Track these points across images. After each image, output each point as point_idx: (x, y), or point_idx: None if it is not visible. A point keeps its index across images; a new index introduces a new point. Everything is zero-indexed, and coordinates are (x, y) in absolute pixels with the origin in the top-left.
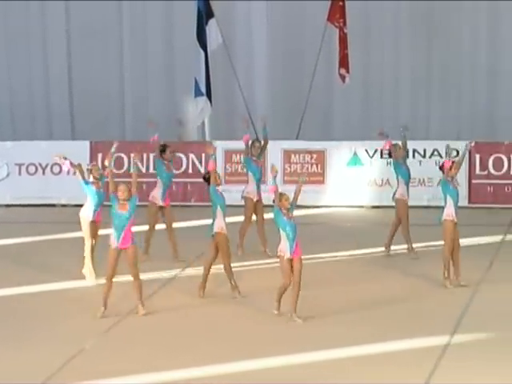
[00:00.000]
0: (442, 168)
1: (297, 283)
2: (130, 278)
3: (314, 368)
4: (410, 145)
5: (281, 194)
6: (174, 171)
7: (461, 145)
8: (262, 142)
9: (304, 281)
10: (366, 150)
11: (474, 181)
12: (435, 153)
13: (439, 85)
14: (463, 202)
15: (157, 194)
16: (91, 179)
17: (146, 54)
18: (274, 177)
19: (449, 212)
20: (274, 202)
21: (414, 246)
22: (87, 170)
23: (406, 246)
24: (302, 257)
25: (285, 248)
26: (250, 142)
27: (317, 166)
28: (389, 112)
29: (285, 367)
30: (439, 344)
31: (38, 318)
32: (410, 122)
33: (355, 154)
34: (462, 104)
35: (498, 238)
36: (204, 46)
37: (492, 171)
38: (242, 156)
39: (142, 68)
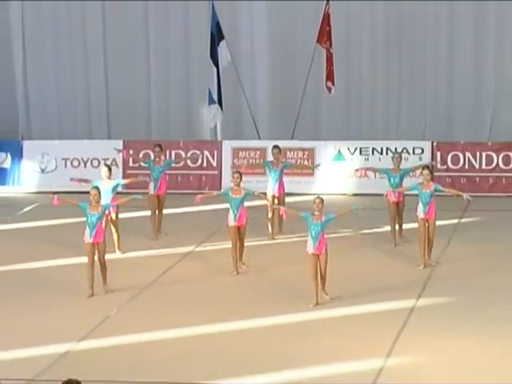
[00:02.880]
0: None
1: (322, 274)
2: (145, 253)
3: (305, 325)
4: (384, 144)
5: (315, 198)
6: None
7: (426, 145)
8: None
9: (297, 256)
10: (348, 148)
11: (435, 173)
12: (404, 150)
13: (408, 95)
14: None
15: (150, 186)
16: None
17: (169, 68)
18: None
19: (418, 210)
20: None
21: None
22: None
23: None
24: (298, 236)
25: (309, 245)
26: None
27: (308, 161)
28: (366, 117)
29: (280, 325)
30: (406, 306)
31: (70, 287)
32: (384, 125)
33: (339, 151)
34: (426, 110)
35: (454, 221)
36: (216, 62)
37: (450, 166)
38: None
39: (165, 79)
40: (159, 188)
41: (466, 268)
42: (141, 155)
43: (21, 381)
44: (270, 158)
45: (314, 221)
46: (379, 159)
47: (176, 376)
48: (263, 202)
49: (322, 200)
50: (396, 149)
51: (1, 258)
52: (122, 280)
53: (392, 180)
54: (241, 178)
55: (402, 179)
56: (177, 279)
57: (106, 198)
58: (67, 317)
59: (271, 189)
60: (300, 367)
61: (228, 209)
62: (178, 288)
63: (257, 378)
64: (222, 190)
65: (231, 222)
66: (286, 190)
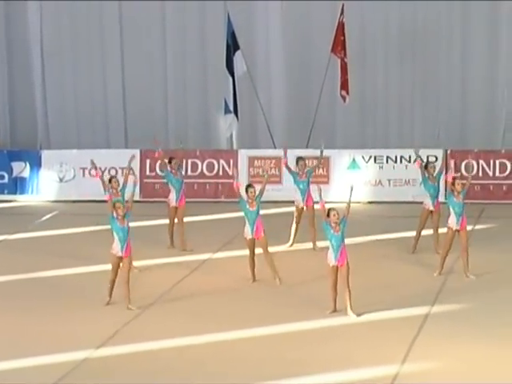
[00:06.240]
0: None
1: (346, 286)
2: (161, 261)
3: (320, 331)
4: (398, 152)
5: (329, 210)
6: (183, 174)
7: (439, 152)
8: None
9: (312, 263)
10: (363, 157)
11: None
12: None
13: (421, 103)
14: (441, 197)
15: (172, 198)
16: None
17: (186, 78)
18: (320, 194)
19: (450, 221)
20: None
21: (405, 235)
22: (108, 179)
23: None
24: (317, 244)
25: (331, 257)
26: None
27: (323, 169)
28: (380, 126)
29: (296, 331)
30: (421, 313)
31: (86, 295)
32: (398, 133)
33: (354, 159)
34: (439, 118)
35: (468, 228)
36: (232, 72)
37: (464, 173)
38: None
39: (182, 89)
40: (181, 199)
41: (480, 275)
42: (157, 165)
43: None
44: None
45: (334, 233)
46: (393, 167)
47: (194, 382)
48: (281, 210)
49: (337, 211)
50: (410, 157)
51: (20, 265)
52: (139, 288)
53: (432, 189)
54: (255, 192)
55: (439, 185)
56: (193, 287)
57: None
58: (85, 324)
59: (300, 200)
60: (316, 373)
61: (244, 221)
62: (194, 295)
63: (273, 383)
64: (241, 197)
65: (248, 235)
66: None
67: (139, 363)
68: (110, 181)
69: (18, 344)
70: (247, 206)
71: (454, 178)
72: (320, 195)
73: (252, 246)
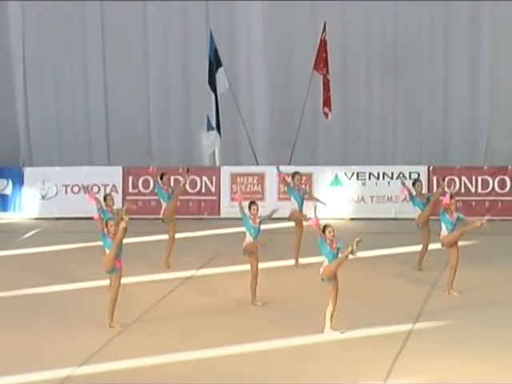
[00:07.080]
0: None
1: (332, 302)
2: (145, 278)
3: (303, 348)
4: (380, 169)
5: (325, 226)
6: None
7: (421, 169)
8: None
9: (296, 280)
10: (345, 173)
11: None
12: (400, 175)
13: (404, 119)
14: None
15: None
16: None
17: (168, 95)
18: (315, 211)
19: (442, 233)
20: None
21: (387, 251)
22: (103, 197)
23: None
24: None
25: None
26: (289, 177)
27: (305, 186)
28: (363, 142)
29: (279, 348)
30: (404, 330)
31: (70, 313)
32: (380, 150)
33: (336, 176)
34: (422, 135)
35: None
36: (214, 89)
37: (446, 190)
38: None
39: (164, 106)
40: None
41: (463, 291)
42: (140, 182)
43: None
44: (269, 183)
45: (331, 250)
46: (376, 184)
47: None
48: (263, 226)
49: (333, 228)
50: (392, 173)
51: (3, 283)
52: (122, 305)
53: (421, 205)
54: (257, 210)
55: (426, 204)
56: (176, 304)
57: None
58: (68, 342)
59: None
60: None
61: (244, 235)
62: (177, 312)
63: None
64: (244, 213)
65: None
66: (282, 215)
67: (122, 380)
68: (105, 198)
69: (1, 362)
70: (250, 222)
71: (451, 197)
72: (315, 212)
73: (256, 261)
